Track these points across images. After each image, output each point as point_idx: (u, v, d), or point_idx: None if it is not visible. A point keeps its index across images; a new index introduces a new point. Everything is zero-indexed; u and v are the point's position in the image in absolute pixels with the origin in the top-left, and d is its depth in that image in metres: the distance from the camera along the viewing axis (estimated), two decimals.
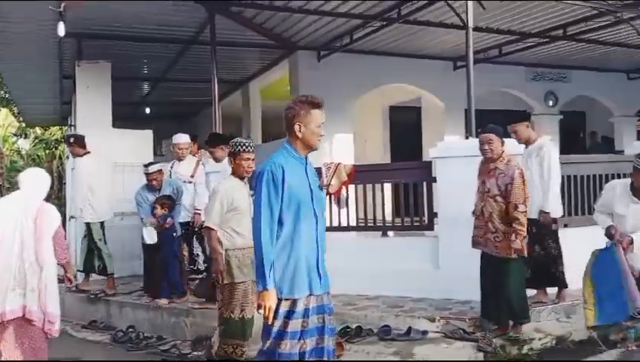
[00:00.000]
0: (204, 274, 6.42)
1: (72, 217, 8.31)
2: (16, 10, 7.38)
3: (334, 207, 6.44)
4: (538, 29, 9.42)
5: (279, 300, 2.85)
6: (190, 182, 6.76)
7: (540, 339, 4.71)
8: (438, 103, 11.36)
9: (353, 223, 6.62)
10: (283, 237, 2.89)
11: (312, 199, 2.95)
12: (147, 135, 9.01)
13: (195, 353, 5.00)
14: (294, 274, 2.88)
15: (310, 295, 2.92)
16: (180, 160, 6.96)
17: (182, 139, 7.02)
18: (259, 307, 2.85)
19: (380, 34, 9.11)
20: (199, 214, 6.23)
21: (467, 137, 6.43)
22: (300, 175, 2.95)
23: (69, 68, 10.10)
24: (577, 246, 6.07)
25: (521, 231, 4.42)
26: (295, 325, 2.87)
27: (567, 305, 5.41)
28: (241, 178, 4.30)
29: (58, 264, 4.14)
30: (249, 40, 9.41)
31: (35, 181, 4.35)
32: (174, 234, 6.16)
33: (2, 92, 18.67)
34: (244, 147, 4.23)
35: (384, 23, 8.52)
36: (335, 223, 6.46)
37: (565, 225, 6.45)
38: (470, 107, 6.22)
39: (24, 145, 20.85)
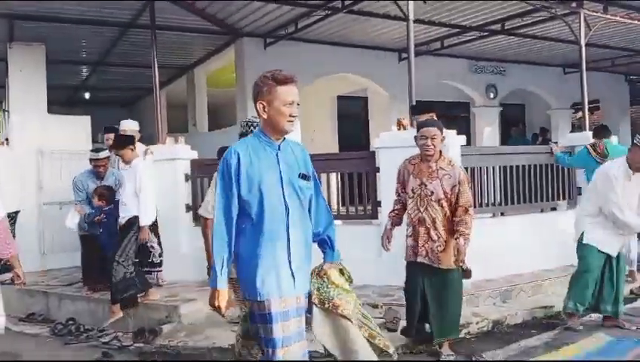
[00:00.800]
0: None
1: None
2: None
3: None
4: (478, 23, 9.69)
5: (253, 302, 2.63)
6: None
7: (477, 323, 4.90)
8: (384, 93, 11.51)
9: None
10: (247, 231, 2.62)
11: (282, 188, 2.63)
12: (85, 121, 8.66)
13: (136, 344, 4.90)
14: (259, 272, 2.59)
15: (285, 297, 2.60)
16: None
17: (130, 125, 6.67)
18: (210, 305, 2.67)
19: (325, 23, 9.12)
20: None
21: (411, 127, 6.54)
22: (268, 161, 2.65)
23: (0, 50, 9.56)
24: (514, 232, 6.40)
25: (469, 236, 4.04)
26: (276, 329, 2.56)
27: (504, 289, 5.65)
28: None
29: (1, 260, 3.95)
30: (192, 25, 9.19)
31: None
32: (114, 228, 5.74)
33: None
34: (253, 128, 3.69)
35: (328, 12, 8.53)
36: None
37: (502, 214, 6.73)
38: (411, 98, 6.33)
39: None
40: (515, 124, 13.69)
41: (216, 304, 2.62)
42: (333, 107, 12.87)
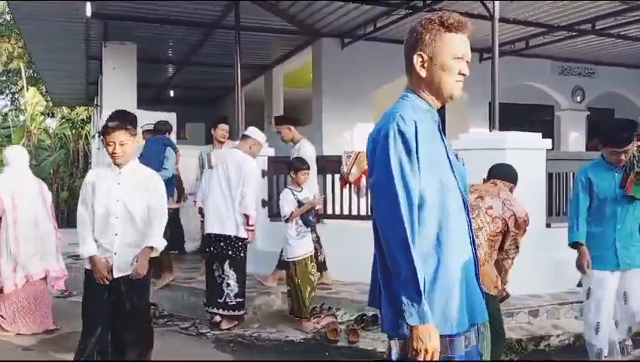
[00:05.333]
0: None
1: None
2: None
3: (354, 195, 6.45)
4: (566, 22, 9.25)
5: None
6: None
7: (557, 336, 4.69)
8: (463, 95, 11.22)
9: None
10: (428, 235, 1.82)
11: (453, 174, 1.90)
12: (171, 117, 9.09)
13: (213, 332, 5.08)
14: (450, 296, 1.81)
15: (470, 328, 1.88)
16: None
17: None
18: (416, 352, 1.74)
19: (405, 22, 9.03)
20: None
21: (491, 130, 6.37)
22: (436, 137, 1.90)
23: (95, 49, 10.24)
24: None
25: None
26: None
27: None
28: None
29: None
30: (273, 26, 9.40)
31: (23, 158, 5.37)
32: None
33: (31, 71, 19.00)
34: None
35: (409, 11, 8.45)
36: (355, 212, 6.48)
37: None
38: (494, 100, 6.15)
39: (51, 124, 21.22)
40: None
41: (430, 347, 1.72)
42: None
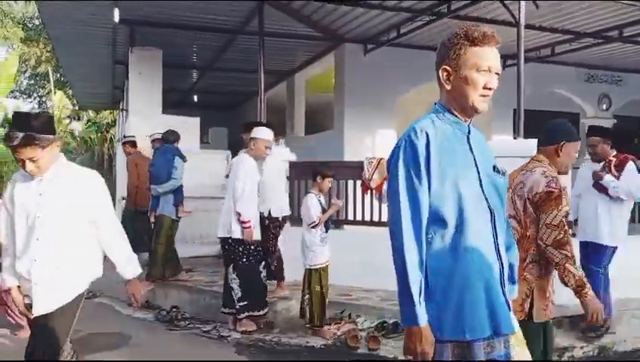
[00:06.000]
0: None
1: (122, 198, 8.61)
2: None
3: (375, 201, 6.43)
4: (593, 29, 9.11)
5: (440, 342, 1.86)
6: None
7: (582, 348, 4.60)
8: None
9: None
10: (440, 243, 1.88)
11: (481, 185, 1.94)
12: (194, 122, 9.22)
13: (234, 336, 5.10)
14: (463, 302, 1.86)
15: (493, 337, 1.88)
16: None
17: (266, 134, 5.32)
18: (406, 351, 1.87)
19: (429, 28, 9.00)
20: None
21: (515, 137, 6.30)
22: (460, 148, 1.95)
23: (121, 54, 10.42)
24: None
25: None
26: None
27: (614, 316, 5.25)
28: None
29: None
30: (296, 31, 9.46)
31: None
32: None
33: (58, 75, 19.41)
34: None
35: (434, 17, 8.42)
36: (376, 218, 6.45)
37: None
38: (520, 107, 6.09)
39: (77, 127, 21.61)
40: (630, 139, 12.69)
41: (419, 349, 1.83)
42: None
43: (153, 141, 7.57)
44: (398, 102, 10.34)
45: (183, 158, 6.68)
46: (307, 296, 4.91)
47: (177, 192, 6.60)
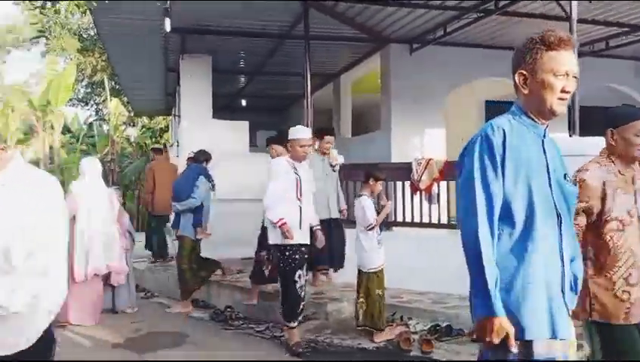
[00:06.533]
0: None
1: None
2: (125, 5, 7.91)
3: (425, 203, 6.41)
4: None
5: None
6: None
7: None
8: None
9: (445, 220, 6.55)
10: (507, 241, 1.91)
11: (551, 190, 1.95)
12: (244, 126, 9.43)
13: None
14: (525, 302, 1.87)
15: (553, 339, 1.89)
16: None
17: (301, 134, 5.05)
18: (478, 339, 1.87)
19: (476, 26, 8.87)
20: None
21: (570, 135, 6.14)
22: (534, 150, 1.96)
23: (173, 61, 10.75)
24: None
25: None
26: None
27: None
28: None
29: None
30: (341, 34, 9.50)
31: (96, 168, 6.17)
32: None
33: (113, 83, 20.15)
34: None
35: (481, 14, 8.29)
36: (426, 220, 6.43)
37: None
38: (574, 103, 5.93)
39: (132, 133, 22.42)
40: None
41: (494, 338, 1.81)
42: (481, 113, 12.43)
43: (188, 159, 7.69)
44: (445, 101, 10.22)
45: (209, 179, 6.67)
46: (362, 299, 4.81)
47: (197, 212, 6.44)
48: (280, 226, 4.66)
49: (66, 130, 19.69)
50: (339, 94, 12.81)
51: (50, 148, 17.57)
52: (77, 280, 5.79)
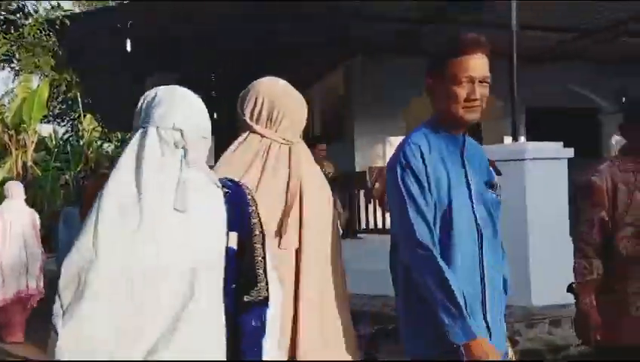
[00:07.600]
0: None
1: None
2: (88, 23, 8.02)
3: (378, 208, 6.57)
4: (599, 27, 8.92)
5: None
6: None
7: (577, 346, 4.65)
8: (497, 104, 11.00)
9: None
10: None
11: (471, 201, 1.87)
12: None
13: None
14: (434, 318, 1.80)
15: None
16: None
17: None
18: None
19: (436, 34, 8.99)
20: None
21: (514, 140, 6.27)
22: (453, 163, 1.88)
23: (139, 77, 10.83)
24: None
25: None
26: None
27: None
28: None
29: None
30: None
31: (20, 192, 6.51)
32: None
33: (86, 100, 20.11)
34: None
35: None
36: (380, 225, 6.58)
37: None
38: (514, 105, 6.11)
39: (108, 148, 22.35)
40: None
41: (490, 358, 1.73)
42: None
43: None
44: (407, 109, 10.36)
45: None
46: None
47: None
48: None
49: (43, 147, 19.58)
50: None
51: (24, 166, 17.49)
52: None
